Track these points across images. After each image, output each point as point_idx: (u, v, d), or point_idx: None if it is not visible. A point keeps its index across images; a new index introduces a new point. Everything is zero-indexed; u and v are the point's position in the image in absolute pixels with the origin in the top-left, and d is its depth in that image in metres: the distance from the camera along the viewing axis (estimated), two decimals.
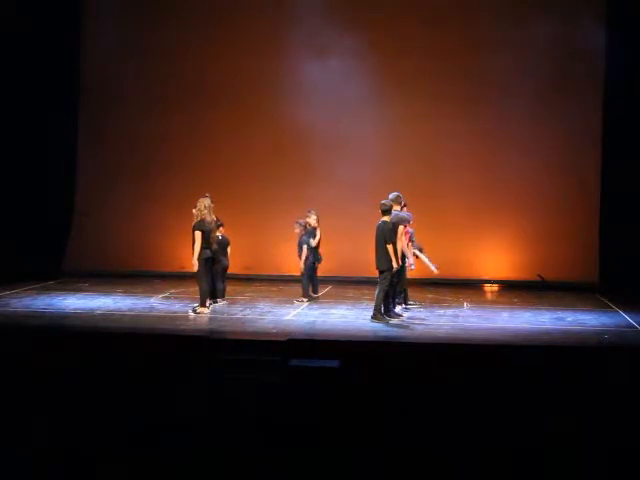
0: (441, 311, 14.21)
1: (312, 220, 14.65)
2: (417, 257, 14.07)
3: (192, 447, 9.94)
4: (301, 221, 14.71)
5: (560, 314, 14.00)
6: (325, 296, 15.35)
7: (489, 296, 16.81)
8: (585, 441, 9.88)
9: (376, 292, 12.97)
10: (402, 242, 13.14)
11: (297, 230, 14.73)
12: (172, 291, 15.79)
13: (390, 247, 12.69)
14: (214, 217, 13.56)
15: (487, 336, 12.06)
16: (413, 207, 14.21)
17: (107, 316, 13.17)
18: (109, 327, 12.29)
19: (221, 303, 14.18)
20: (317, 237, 14.61)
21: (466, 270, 17.53)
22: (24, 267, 16.44)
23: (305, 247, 14.55)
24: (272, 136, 17.80)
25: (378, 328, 12.54)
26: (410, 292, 14.47)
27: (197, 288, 13.51)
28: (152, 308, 14.08)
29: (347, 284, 16.77)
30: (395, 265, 12.75)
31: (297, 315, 13.57)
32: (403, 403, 10.28)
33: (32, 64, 17.54)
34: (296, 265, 15.00)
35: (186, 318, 13.13)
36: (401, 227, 13.04)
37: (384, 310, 12.99)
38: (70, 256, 18.06)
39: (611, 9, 16.93)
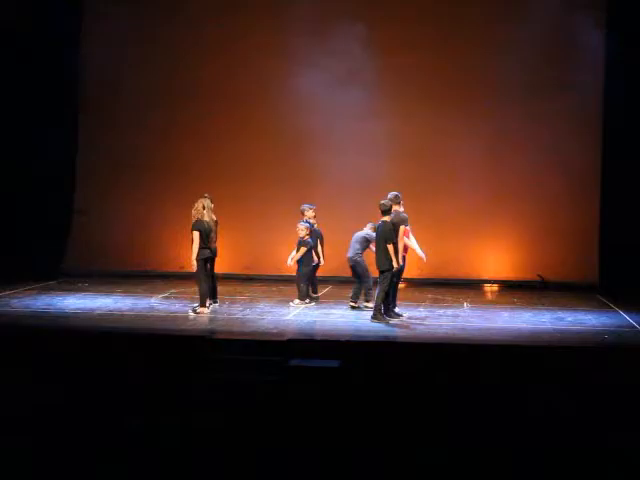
0: (441, 311, 14.20)
1: (310, 214, 14.53)
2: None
3: (192, 447, 9.93)
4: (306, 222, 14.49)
5: (560, 314, 14.00)
6: (325, 296, 15.34)
7: (489, 296, 16.79)
8: (585, 441, 9.88)
9: (376, 292, 12.98)
10: (404, 242, 13.13)
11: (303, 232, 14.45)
12: (172, 291, 15.78)
13: (390, 247, 12.68)
14: (213, 217, 13.54)
15: (487, 336, 12.06)
16: (412, 207, 14.19)
17: (107, 316, 13.18)
18: (109, 327, 12.29)
19: (312, 303, 14.39)
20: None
21: (466, 270, 17.52)
22: (24, 267, 16.44)
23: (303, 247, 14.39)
24: (272, 137, 17.78)
25: (378, 328, 12.54)
26: (410, 292, 14.44)
27: (197, 288, 13.51)
28: (152, 308, 14.07)
29: (347, 284, 16.70)
30: (395, 265, 12.75)
31: (297, 315, 13.57)
32: (403, 403, 10.28)
33: (32, 64, 17.53)
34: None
35: (186, 318, 13.13)
36: (402, 227, 13.03)
37: (384, 310, 12.98)
38: (70, 256, 18.06)
39: (611, 7, 16.93)
